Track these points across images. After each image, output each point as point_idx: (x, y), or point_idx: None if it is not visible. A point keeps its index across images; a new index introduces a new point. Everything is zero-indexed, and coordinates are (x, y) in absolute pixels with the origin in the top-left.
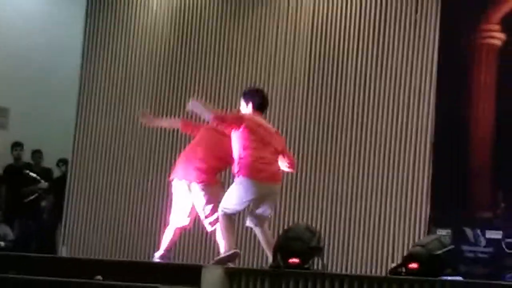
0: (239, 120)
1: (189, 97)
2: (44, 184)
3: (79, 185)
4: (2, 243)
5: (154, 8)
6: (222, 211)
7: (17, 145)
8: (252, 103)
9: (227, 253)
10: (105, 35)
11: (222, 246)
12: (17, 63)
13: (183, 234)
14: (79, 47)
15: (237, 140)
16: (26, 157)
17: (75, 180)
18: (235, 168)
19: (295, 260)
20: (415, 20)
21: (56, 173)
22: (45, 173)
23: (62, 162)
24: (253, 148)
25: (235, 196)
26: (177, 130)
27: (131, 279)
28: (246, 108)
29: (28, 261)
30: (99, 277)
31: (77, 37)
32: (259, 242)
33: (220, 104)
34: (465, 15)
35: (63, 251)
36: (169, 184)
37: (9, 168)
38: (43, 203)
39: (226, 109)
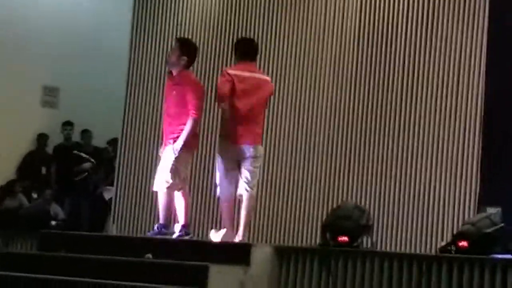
0: None
1: None
2: (87, 164)
3: (129, 164)
4: (54, 222)
5: None
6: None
7: (67, 125)
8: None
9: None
10: (154, 15)
11: None
12: (67, 43)
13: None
14: (129, 26)
15: None
16: (76, 136)
17: (125, 159)
18: None
19: (344, 238)
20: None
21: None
22: (97, 153)
23: (109, 143)
24: None
25: None
26: None
27: (181, 258)
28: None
29: (78, 240)
30: (149, 255)
31: (126, 15)
32: (308, 220)
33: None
34: None
35: (113, 230)
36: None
37: (59, 148)
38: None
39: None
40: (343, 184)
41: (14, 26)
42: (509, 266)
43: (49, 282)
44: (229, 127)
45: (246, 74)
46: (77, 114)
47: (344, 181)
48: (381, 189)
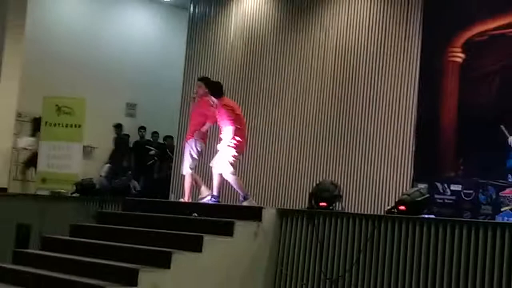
0: None
1: (255, 98)
2: (153, 152)
3: (182, 153)
4: (134, 191)
5: (231, 38)
6: None
7: (141, 128)
8: None
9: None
10: (199, 56)
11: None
12: (142, 72)
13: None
14: (183, 61)
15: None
16: (148, 135)
17: (180, 149)
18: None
19: (323, 203)
20: (403, 47)
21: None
22: (161, 147)
23: (167, 137)
24: None
25: None
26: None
27: (217, 216)
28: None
29: (149, 203)
30: (195, 214)
31: (181, 54)
32: (300, 190)
33: (274, 101)
34: (437, 40)
35: (171, 197)
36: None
37: (136, 144)
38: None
39: (275, 103)
40: (322, 168)
41: (106, 64)
42: (432, 223)
43: (129, 231)
44: None
45: None
46: (149, 121)
47: (323, 166)
48: (347, 172)
